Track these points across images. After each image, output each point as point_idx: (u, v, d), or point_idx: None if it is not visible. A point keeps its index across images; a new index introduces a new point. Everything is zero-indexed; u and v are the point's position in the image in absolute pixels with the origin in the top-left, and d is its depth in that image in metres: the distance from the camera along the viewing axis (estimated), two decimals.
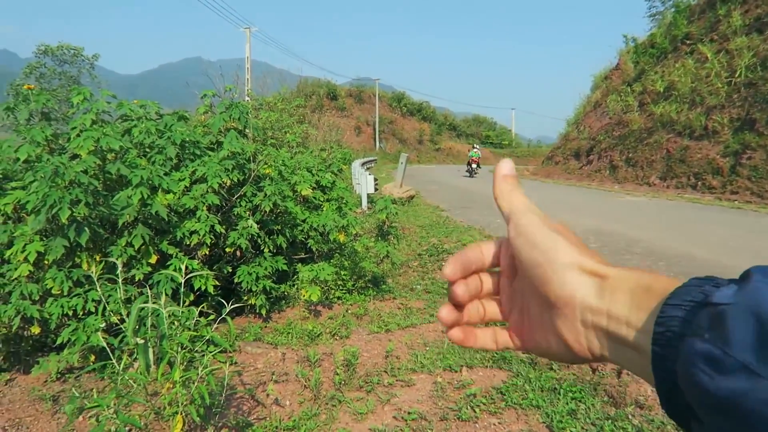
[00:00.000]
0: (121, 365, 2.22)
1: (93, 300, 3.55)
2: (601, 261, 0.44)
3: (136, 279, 3.90)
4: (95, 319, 3.40)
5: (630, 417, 3.01)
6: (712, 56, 17.16)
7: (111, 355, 2.51)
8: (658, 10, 24.96)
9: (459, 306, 0.51)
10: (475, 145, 28.78)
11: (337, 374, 3.66)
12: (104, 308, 3.25)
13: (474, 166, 26.47)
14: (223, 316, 2.63)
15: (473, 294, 0.51)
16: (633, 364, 0.41)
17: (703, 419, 0.33)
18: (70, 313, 3.51)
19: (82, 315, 3.55)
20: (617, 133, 21.30)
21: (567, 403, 3.22)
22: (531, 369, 3.76)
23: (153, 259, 4.04)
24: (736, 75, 15.45)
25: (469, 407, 3.26)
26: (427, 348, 4.26)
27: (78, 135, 4.02)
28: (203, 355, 2.58)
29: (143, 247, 3.97)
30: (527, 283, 0.47)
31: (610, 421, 3.00)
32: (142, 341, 2.34)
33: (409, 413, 3.20)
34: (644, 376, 0.40)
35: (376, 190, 12.70)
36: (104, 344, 2.45)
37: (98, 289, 2.89)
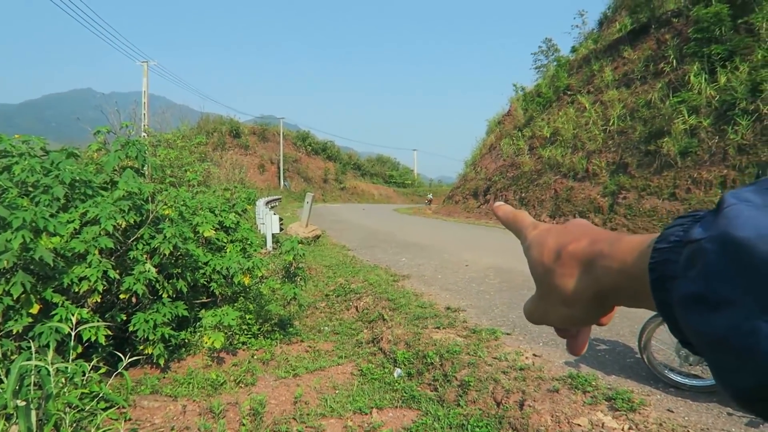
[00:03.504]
0: None
1: None
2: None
3: (14, 332, 3.52)
4: None
5: None
6: (590, 106, 19.10)
7: None
8: (542, 63, 27.47)
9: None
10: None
11: (243, 425, 3.50)
12: None
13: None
14: (119, 370, 2.44)
15: None
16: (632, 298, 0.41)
17: (705, 358, 0.32)
18: None
19: None
20: (511, 174, 22.79)
21: None
22: (439, 407, 3.83)
23: (35, 309, 3.66)
24: (610, 123, 17.25)
25: None
26: (337, 391, 4.21)
27: None
28: (94, 414, 2.37)
29: (23, 296, 3.60)
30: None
31: None
32: (23, 403, 2.11)
33: None
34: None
35: (281, 230, 12.50)
36: None
37: None
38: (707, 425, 3.17)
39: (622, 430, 3.13)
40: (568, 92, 21.97)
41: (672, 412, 3.35)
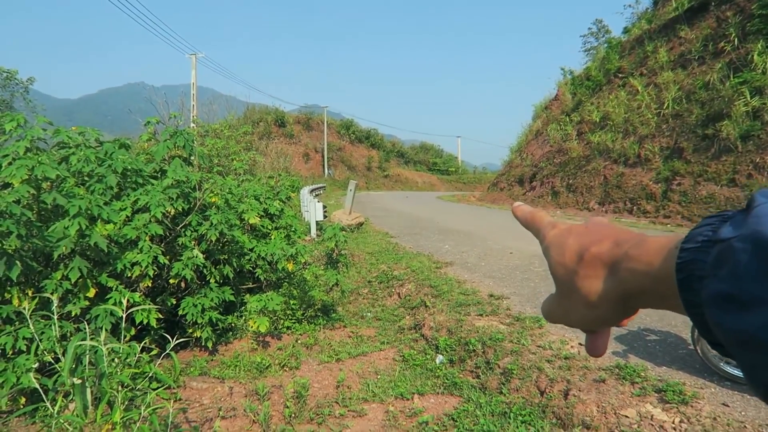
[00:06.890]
0: (56, 407, 2.09)
1: (24, 338, 3.34)
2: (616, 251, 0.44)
3: (73, 314, 3.70)
4: (27, 359, 3.19)
5: None
6: (642, 89, 18.31)
7: (44, 396, 2.36)
8: (592, 45, 26.55)
9: None
10: None
11: (287, 407, 3.58)
12: (37, 346, 3.06)
13: None
14: (167, 351, 2.53)
15: None
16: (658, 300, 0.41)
17: (736, 358, 0.32)
18: None
19: (12, 354, 3.32)
20: (558, 161, 22.20)
21: (517, 427, 3.26)
22: (482, 394, 3.80)
23: (91, 293, 3.85)
24: (664, 107, 16.50)
25: None
26: (379, 376, 4.24)
27: (10, 163, 3.82)
28: (146, 394, 2.47)
29: (80, 280, 3.79)
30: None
31: None
32: (80, 381, 2.22)
33: None
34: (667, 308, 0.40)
35: (325, 217, 12.64)
36: (37, 385, 2.31)
37: (31, 326, 2.72)
38: (766, 421, 3.02)
39: (673, 423, 3.02)
40: (620, 75, 21.12)
41: (727, 406, 3.21)
